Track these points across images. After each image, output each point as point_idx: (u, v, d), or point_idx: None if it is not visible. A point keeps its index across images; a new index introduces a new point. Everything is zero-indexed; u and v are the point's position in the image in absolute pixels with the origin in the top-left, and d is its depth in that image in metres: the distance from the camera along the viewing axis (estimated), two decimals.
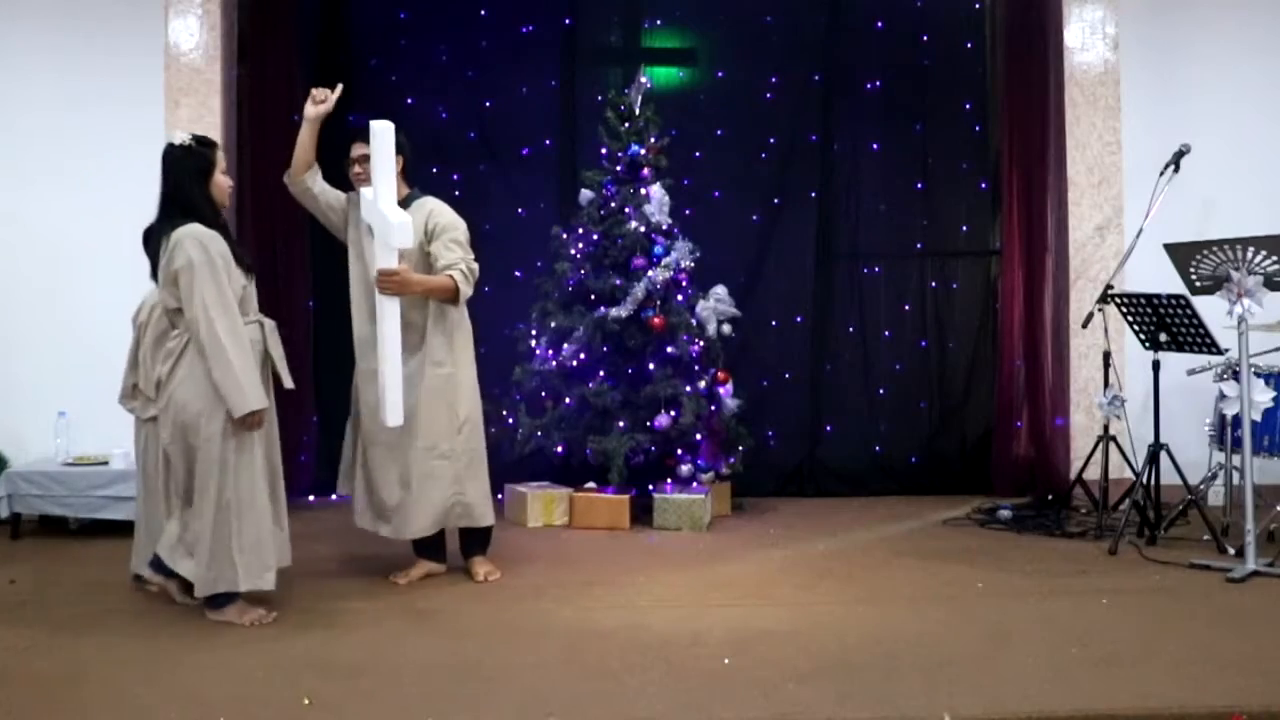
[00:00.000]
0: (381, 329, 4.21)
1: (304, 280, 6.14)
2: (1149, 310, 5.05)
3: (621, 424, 5.59)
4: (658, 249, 5.73)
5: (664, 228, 5.80)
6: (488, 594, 4.33)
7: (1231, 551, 4.72)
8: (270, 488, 3.96)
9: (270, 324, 4.01)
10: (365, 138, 4.38)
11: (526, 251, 6.14)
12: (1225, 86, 6.20)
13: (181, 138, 3.98)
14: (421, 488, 4.35)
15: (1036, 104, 6.23)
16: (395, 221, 4.11)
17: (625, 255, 5.72)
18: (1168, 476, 5.12)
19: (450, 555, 4.60)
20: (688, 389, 5.58)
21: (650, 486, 5.66)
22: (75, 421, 5.60)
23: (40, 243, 5.91)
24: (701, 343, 5.70)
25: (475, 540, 4.58)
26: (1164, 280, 4.96)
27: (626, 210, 5.77)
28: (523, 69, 6.41)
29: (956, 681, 3.25)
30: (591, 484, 5.69)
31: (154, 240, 3.95)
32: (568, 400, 5.72)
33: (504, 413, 5.79)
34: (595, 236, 5.78)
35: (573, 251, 5.80)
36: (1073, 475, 5.87)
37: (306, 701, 3.14)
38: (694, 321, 5.75)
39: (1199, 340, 4.95)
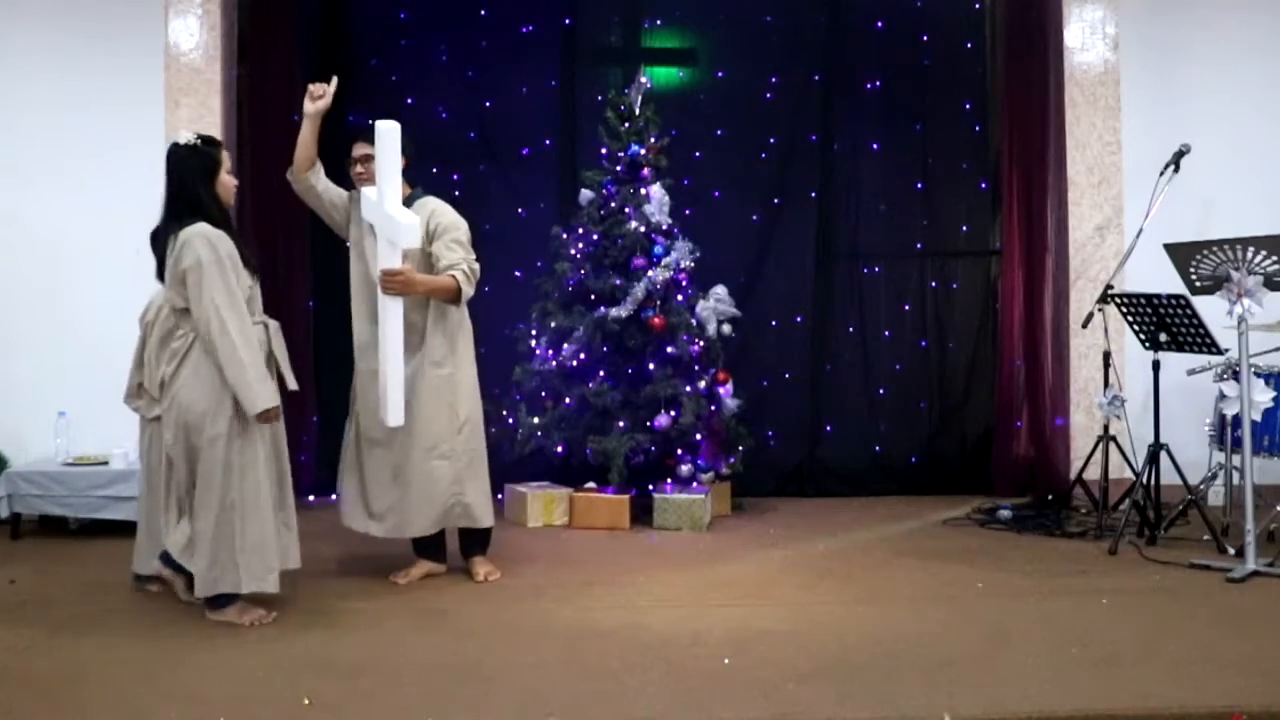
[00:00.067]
0: (384, 329, 4.21)
1: (304, 280, 6.14)
2: (1149, 310, 5.05)
3: (621, 424, 5.59)
4: (658, 249, 5.73)
5: (664, 228, 5.81)
6: (488, 594, 4.33)
7: (1231, 551, 4.72)
8: (279, 489, 3.96)
9: (274, 324, 4.01)
10: (367, 137, 4.39)
11: (526, 251, 6.14)
12: (1225, 86, 6.20)
13: (187, 137, 3.97)
14: (421, 488, 4.35)
15: (1036, 104, 6.23)
16: (404, 222, 4.11)
17: (625, 255, 5.72)
18: (1168, 476, 5.12)
19: (450, 555, 4.60)
20: (688, 389, 5.58)
21: (650, 486, 5.66)
22: (75, 421, 5.60)
23: (40, 243, 5.91)
24: (701, 343, 5.70)
25: (475, 540, 4.57)
26: (1164, 280, 4.96)
27: (626, 210, 5.77)
28: (523, 69, 6.41)
29: (956, 681, 3.26)
30: (591, 484, 5.69)
31: (160, 240, 3.94)
32: (568, 400, 5.72)
33: (504, 413, 5.79)
34: (595, 236, 5.78)
35: (573, 251, 5.80)
36: (1073, 475, 5.87)
37: (306, 701, 3.14)
38: (694, 321, 5.75)
39: (1199, 340, 4.95)
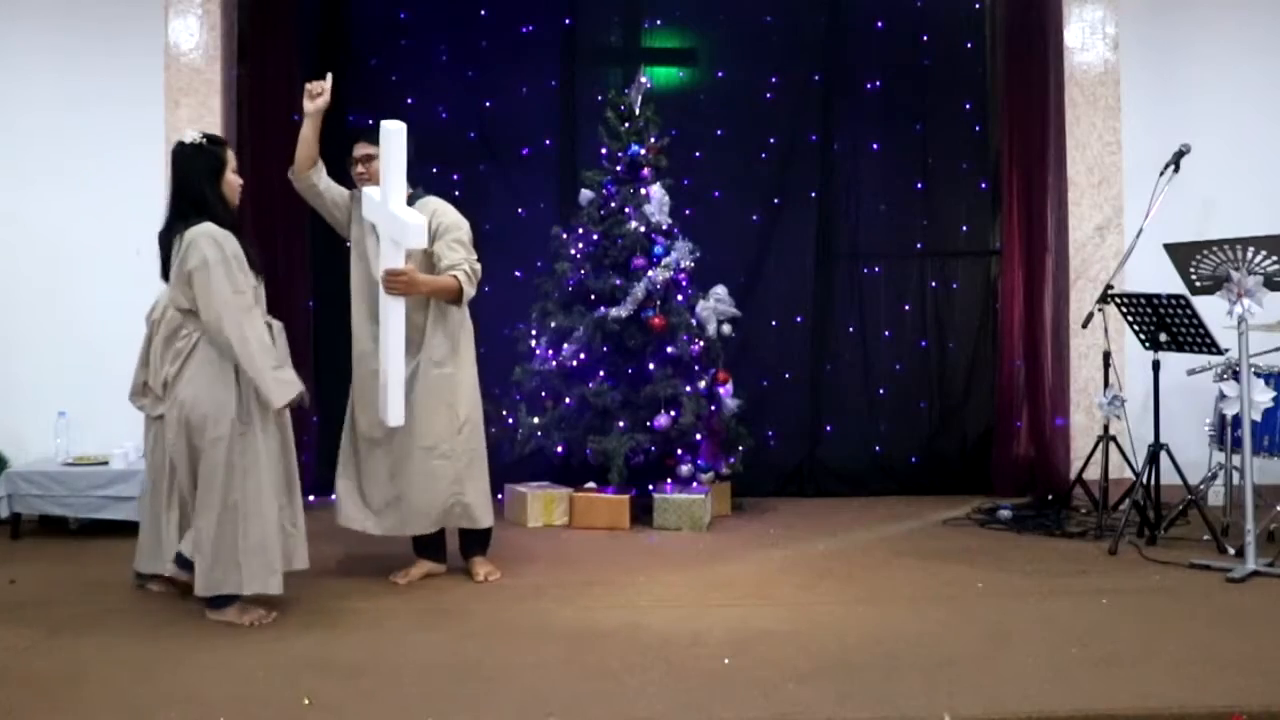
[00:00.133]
0: (385, 329, 4.22)
1: (304, 280, 6.14)
2: (1149, 310, 5.05)
3: (621, 424, 5.59)
4: (658, 249, 5.73)
5: (664, 228, 5.81)
6: (488, 594, 4.33)
7: (1231, 551, 4.72)
8: (287, 489, 3.96)
9: (278, 325, 4.01)
10: (368, 137, 4.40)
11: (526, 251, 6.14)
12: (1225, 86, 6.20)
13: (192, 136, 3.97)
14: (421, 487, 4.35)
15: (1036, 104, 6.23)
16: (411, 223, 4.12)
17: (625, 255, 5.72)
18: (1168, 476, 5.12)
19: (450, 555, 4.60)
20: (688, 389, 5.58)
21: (650, 486, 5.66)
22: (75, 421, 5.60)
23: (40, 243, 5.91)
24: (701, 343, 5.70)
25: (475, 540, 4.57)
26: (1164, 280, 4.96)
27: (626, 210, 5.77)
28: (523, 69, 6.41)
29: (956, 681, 3.26)
30: (591, 484, 5.69)
31: (166, 239, 3.94)
32: (568, 400, 5.72)
33: (504, 413, 5.79)
34: (595, 236, 5.78)
35: (573, 251, 5.80)
36: (1073, 475, 5.87)
37: (306, 701, 3.14)
38: (694, 321, 5.75)
39: (1199, 340, 4.95)
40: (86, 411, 5.62)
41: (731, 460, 5.83)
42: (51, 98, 5.95)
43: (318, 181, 4.52)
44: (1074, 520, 5.51)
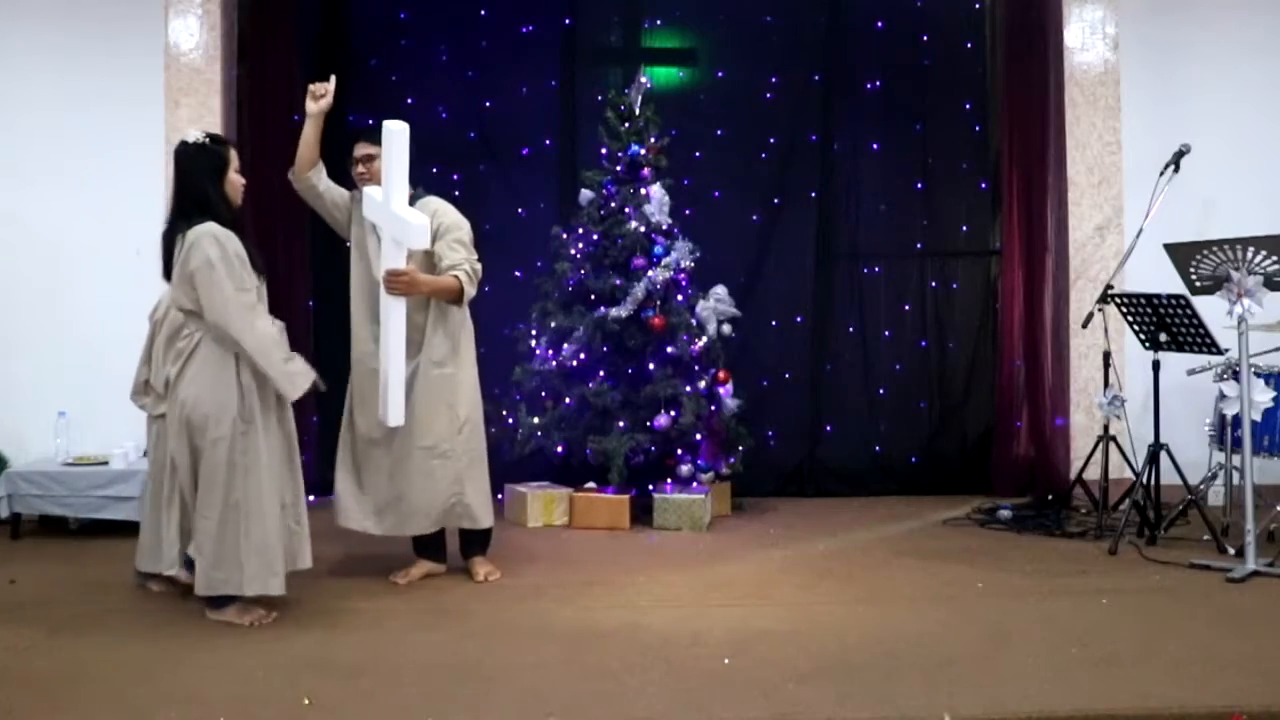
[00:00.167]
0: (386, 329, 4.22)
1: (304, 280, 6.14)
2: (1149, 310, 5.05)
3: (621, 424, 5.59)
4: (658, 249, 5.73)
5: (664, 228, 5.81)
6: (488, 594, 4.33)
7: (1231, 551, 4.72)
8: (292, 487, 3.96)
9: (280, 325, 4.01)
10: (369, 137, 4.40)
11: (526, 251, 6.14)
12: (1225, 86, 6.20)
13: (196, 135, 3.97)
14: (421, 487, 4.35)
15: (1036, 104, 6.23)
16: (415, 223, 4.12)
17: (625, 255, 5.72)
18: (1168, 476, 5.12)
19: (450, 555, 4.60)
20: (688, 389, 5.58)
21: (650, 486, 5.66)
22: (75, 421, 5.60)
23: (40, 243, 5.91)
24: (701, 343, 5.70)
25: (475, 540, 4.57)
26: (1164, 280, 4.96)
27: (626, 210, 5.77)
28: (523, 69, 6.41)
29: (956, 681, 3.26)
30: (591, 484, 5.69)
31: (168, 239, 3.93)
32: (568, 400, 5.72)
33: (504, 413, 5.79)
34: (595, 236, 5.78)
35: (573, 251, 5.80)
36: (1073, 475, 5.87)
37: (306, 701, 3.14)
38: (694, 321, 5.75)
39: (1199, 340, 4.95)
40: (86, 411, 5.62)
41: (731, 460, 5.83)
42: (51, 98, 5.95)
43: (318, 183, 4.52)
44: (1074, 520, 5.51)
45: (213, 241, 3.77)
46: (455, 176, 6.23)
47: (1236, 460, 4.99)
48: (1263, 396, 4.78)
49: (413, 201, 4.35)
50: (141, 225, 5.78)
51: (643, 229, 5.74)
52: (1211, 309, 4.79)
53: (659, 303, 5.69)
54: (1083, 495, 5.66)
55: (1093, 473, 5.47)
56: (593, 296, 5.74)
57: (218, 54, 6.02)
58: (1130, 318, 5.18)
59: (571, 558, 4.93)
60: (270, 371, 3.82)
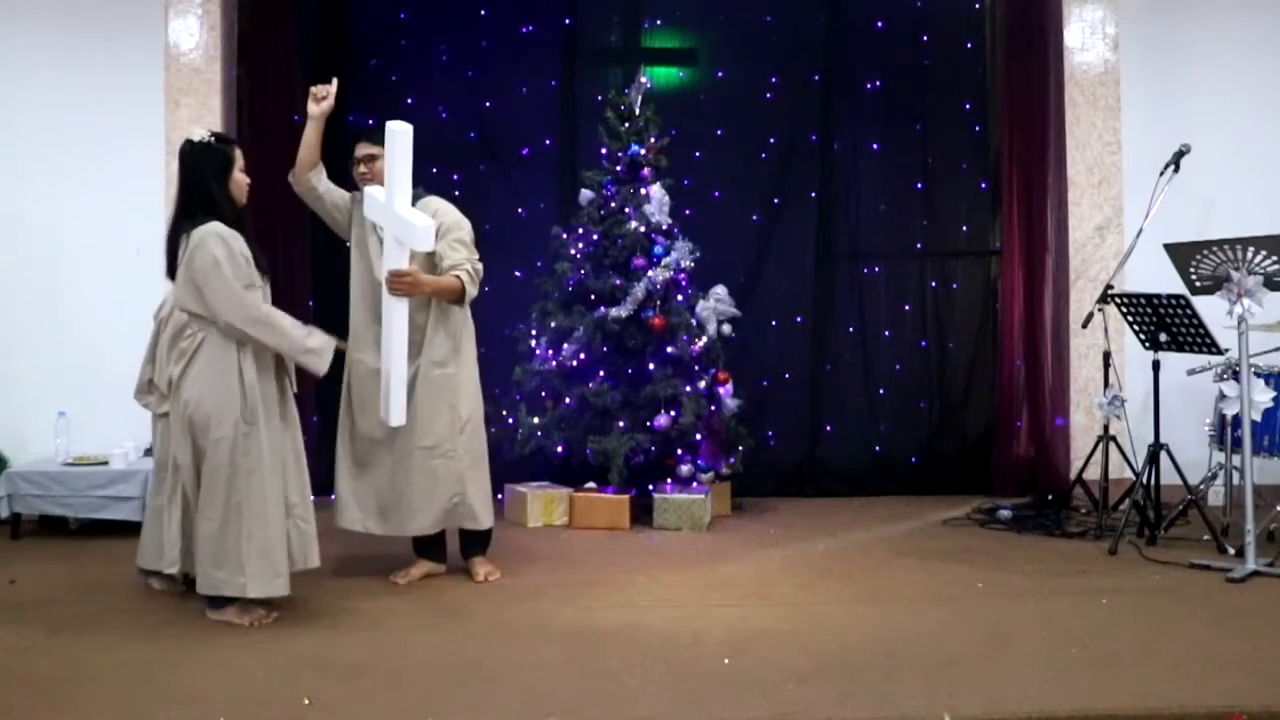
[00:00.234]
0: (388, 329, 4.22)
1: (304, 280, 6.14)
2: (1149, 310, 5.05)
3: (621, 424, 5.59)
4: (658, 249, 5.73)
5: (664, 228, 5.81)
6: (488, 594, 4.33)
7: (1231, 551, 4.72)
8: (299, 486, 3.96)
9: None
10: (370, 137, 4.40)
11: (526, 251, 6.14)
12: (1225, 86, 6.20)
13: (201, 134, 3.97)
14: (422, 487, 4.35)
15: (1036, 104, 6.24)
16: (419, 225, 4.12)
17: (625, 255, 5.72)
18: (1168, 476, 5.12)
19: (450, 555, 4.60)
20: (688, 389, 5.58)
21: (650, 486, 5.66)
22: (75, 421, 5.60)
23: (40, 243, 5.91)
24: (701, 343, 5.70)
25: (475, 540, 4.57)
26: (1164, 280, 4.96)
27: (626, 210, 5.77)
28: (523, 69, 6.41)
29: (956, 681, 3.26)
30: (591, 484, 5.69)
31: (173, 238, 3.93)
32: (568, 400, 5.72)
33: (504, 413, 5.79)
34: (595, 236, 5.78)
35: (573, 251, 5.80)
36: (1073, 475, 5.87)
37: (306, 701, 3.14)
38: (694, 321, 5.74)
39: (1199, 340, 4.95)
40: (86, 411, 5.62)
41: (731, 460, 5.83)
42: (51, 98, 5.95)
43: (318, 184, 4.52)
44: (1074, 520, 5.51)
45: (218, 241, 3.78)
46: (455, 176, 6.23)
47: (1236, 460, 4.99)
48: (1263, 396, 4.78)
49: (414, 201, 4.35)
50: (141, 225, 5.81)
51: (643, 229, 5.74)
52: (1211, 309, 4.79)
53: (659, 303, 5.69)
54: (1083, 495, 5.66)
55: (1093, 473, 5.47)
56: (593, 296, 5.74)
57: (218, 54, 6.02)
58: (1130, 318, 5.18)
59: (571, 558, 4.93)
60: (291, 356, 3.88)
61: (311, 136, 4.41)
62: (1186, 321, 4.92)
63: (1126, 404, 5.34)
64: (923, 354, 6.53)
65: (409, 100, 6.24)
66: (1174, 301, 4.89)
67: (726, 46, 6.57)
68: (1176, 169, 5.49)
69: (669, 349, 5.65)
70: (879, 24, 6.54)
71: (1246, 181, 6.09)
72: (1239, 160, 6.10)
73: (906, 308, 6.55)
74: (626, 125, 5.88)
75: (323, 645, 3.67)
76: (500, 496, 5.36)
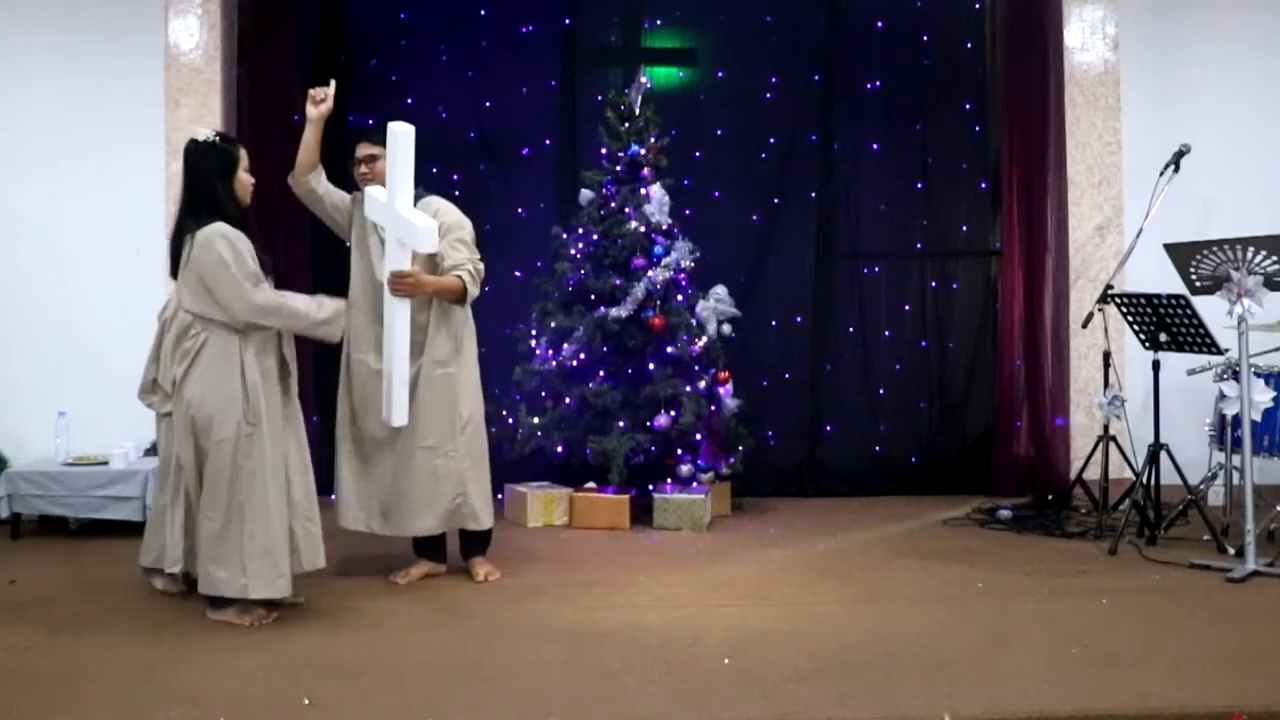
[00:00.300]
0: (390, 330, 4.22)
1: (304, 280, 6.09)
2: (1149, 310, 5.05)
3: (621, 424, 5.59)
4: (658, 249, 5.73)
5: (664, 228, 5.80)
6: (488, 594, 4.33)
7: (1231, 551, 4.72)
8: (303, 486, 3.96)
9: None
10: (371, 137, 4.40)
11: (526, 251, 6.14)
12: (1225, 86, 6.20)
13: (205, 134, 3.98)
14: (424, 488, 4.35)
15: (1036, 104, 6.23)
16: (422, 226, 4.12)
17: (625, 255, 5.72)
18: (1168, 476, 5.12)
19: (450, 555, 4.60)
20: (688, 389, 5.58)
21: (650, 486, 5.66)
22: (75, 421, 5.60)
23: (40, 243, 5.91)
24: (701, 343, 5.70)
25: (475, 541, 4.57)
26: (1164, 280, 4.96)
27: (626, 210, 5.77)
28: (523, 69, 6.41)
29: (956, 681, 3.26)
30: (591, 484, 5.69)
31: (177, 237, 3.93)
32: (568, 400, 5.72)
33: (504, 413, 5.79)
34: (595, 236, 5.78)
35: (573, 251, 5.80)
36: (1073, 475, 5.87)
37: (306, 701, 3.15)
38: (694, 321, 5.74)
39: (1199, 340, 4.95)
40: (86, 411, 5.62)
41: (731, 460, 5.83)
42: (51, 98, 5.95)
43: (317, 187, 4.51)
44: (1074, 520, 5.51)
45: (224, 241, 3.78)
46: (455, 176, 6.23)
47: (1236, 460, 4.99)
48: (1263, 396, 4.78)
49: (415, 201, 4.35)
50: (141, 225, 5.81)
51: (643, 229, 5.74)
52: (1211, 309, 4.79)
53: (659, 303, 5.68)
54: (1083, 495, 5.66)
55: (1093, 473, 5.47)
56: (593, 296, 5.74)
57: (218, 54, 6.02)
58: (1130, 318, 5.18)
59: (571, 558, 4.93)
60: (311, 334, 3.96)
61: (311, 139, 4.41)
62: (1186, 321, 4.92)
63: (1126, 404, 5.34)
64: (923, 354, 6.53)
65: (409, 100, 6.23)
66: (1174, 301, 4.89)
67: (726, 46, 6.57)
68: (1176, 169, 5.48)
69: (669, 349, 5.65)
70: (879, 24, 6.53)
71: (1246, 181, 6.09)
72: (1239, 160, 6.10)
73: (906, 308, 6.55)
74: (626, 125, 5.88)
75: (323, 645, 3.67)
76: (500, 496, 5.36)
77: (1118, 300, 5.20)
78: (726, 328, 5.89)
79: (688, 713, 3.08)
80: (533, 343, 5.87)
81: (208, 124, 5.77)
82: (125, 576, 4.40)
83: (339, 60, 6.26)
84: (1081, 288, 6.18)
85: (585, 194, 5.92)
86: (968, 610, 4.04)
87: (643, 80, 5.96)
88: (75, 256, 5.90)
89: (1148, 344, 5.13)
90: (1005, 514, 5.59)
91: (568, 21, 6.48)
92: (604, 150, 5.92)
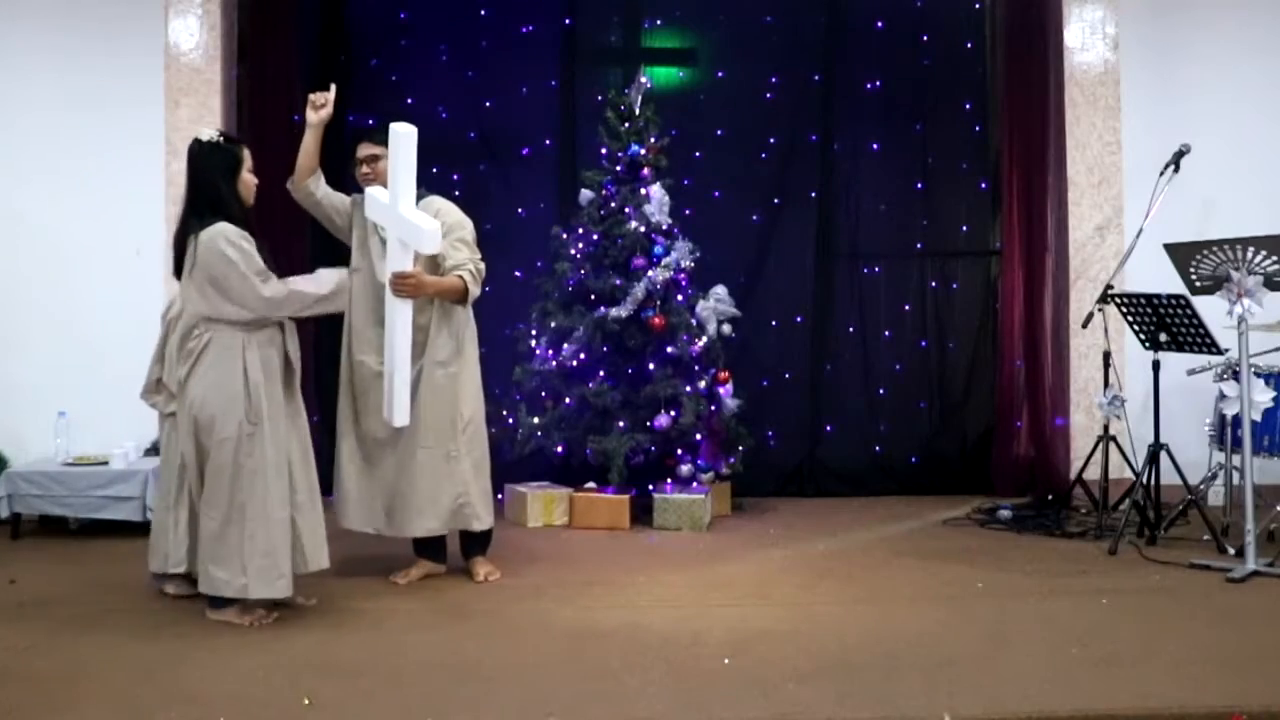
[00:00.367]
0: (392, 330, 4.22)
1: None
2: (1149, 310, 5.05)
3: (621, 424, 5.59)
4: (658, 249, 5.73)
5: (664, 228, 5.80)
6: (488, 594, 4.33)
7: (1231, 551, 4.72)
8: (307, 486, 3.96)
9: (290, 324, 4.03)
10: (372, 138, 4.39)
11: (526, 251, 6.14)
12: (1225, 86, 6.20)
13: (209, 134, 3.99)
14: (425, 488, 4.35)
15: (1036, 104, 6.23)
16: (426, 228, 4.12)
17: (625, 255, 5.72)
18: (1168, 476, 5.12)
19: (450, 555, 4.60)
20: (688, 389, 5.58)
21: (650, 486, 5.66)
22: (75, 421, 5.59)
23: (40, 243, 5.91)
24: (701, 343, 5.70)
25: (476, 541, 4.57)
26: (1164, 280, 4.96)
27: (626, 210, 5.77)
28: (523, 69, 6.41)
29: (956, 681, 3.26)
30: (591, 484, 5.69)
31: (181, 236, 3.93)
32: (568, 400, 5.72)
33: (504, 413, 5.79)
34: (595, 236, 5.78)
35: (573, 251, 5.80)
36: (1073, 475, 5.87)
37: (306, 701, 3.15)
38: (694, 321, 5.74)
39: (1199, 340, 4.95)
40: (86, 411, 5.62)
41: (731, 460, 5.83)
42: (51, 98, 5.95)
43: (315, 191, 4.51)
44: (1074, 520, 5.51)
45: (228, 242, 3.79)
46: (455, 176, 6.23)
47: (1236, 460, 4.99)
48: (1263, 396, 4.78)
49: (416, 201, 4.35)
50: (141, 225, 5.81)
51: (643, 229, 5.74)
52: (1211, 309, 4.79)
53: (659, 303, 5.69)
54: (1083, 495, 5.66)
55: (1093, 473, 5.47)
56: (593, 296, 5.74)
57: (218, 54, 6.02)
58: (1130, 318, 5.18)
59: (571, 558, 4.93)
60: (319, 310, 4.04)
61: (310, 144, 4.40)
62: (1186, 321, 4.92)
63: (1126, 404, 5.34)
64: (923, 354, 6.53)
65: (409, 100, 6.24)
66: (1174, 301, 4.89)
67: (726, 46, 6.57)
68: (1176, 169, 5.49)
69: (669, 349, 5.65)
70: (879, 24, 6.53)
71: (1246, 181, 6.09)
72: (1239, 160, 6.10)
73: (906, 308, 6.55)
74: (626, 125, 5.88)
75: (323, 645, 3.67)
76: (500, 496, 5.36)
77: (1118, 300, 5.20)
78: (726, 328, 5.89)
79: (688, 713, 3.08)
80: (533, 343, 5.87)
81: (207, 124, 5.76)
82: (125, 576, 4.40)
83: (339, 60, 6.27)
84: (1081, 288, 6.18)
85: (585, 194, 5.92)
86: (968, 610, 4.05)
87: (643, 80, 5.96)
88: (75, 256, 5.90)
89: (1148, 344, 5.13)
90: (1005, 514, 5.59)
91: (568, 21, 6.49)
92: (604, 150, 5.92)
